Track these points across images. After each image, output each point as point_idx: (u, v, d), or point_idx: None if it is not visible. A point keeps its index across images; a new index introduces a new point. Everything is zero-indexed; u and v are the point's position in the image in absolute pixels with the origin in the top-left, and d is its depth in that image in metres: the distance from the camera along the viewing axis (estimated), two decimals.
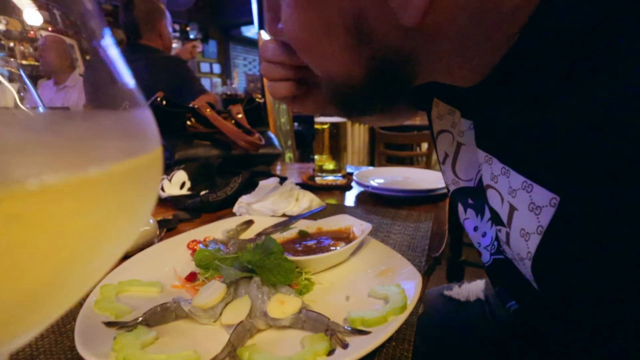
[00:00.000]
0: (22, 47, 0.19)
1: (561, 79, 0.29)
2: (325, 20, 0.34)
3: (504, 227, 0.37)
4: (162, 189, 0.87)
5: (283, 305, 0.40)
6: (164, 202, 0.86)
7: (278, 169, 1.33)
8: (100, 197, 0.14)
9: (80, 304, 0.41)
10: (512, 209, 0.35)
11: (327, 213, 0.73)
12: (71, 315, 0.42)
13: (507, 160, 0.36)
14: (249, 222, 0.68)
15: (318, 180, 1.08)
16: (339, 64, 0.36)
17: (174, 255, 0.56)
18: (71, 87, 0.19)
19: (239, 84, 6.96)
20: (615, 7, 0.26)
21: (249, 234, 0.66)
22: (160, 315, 0.40)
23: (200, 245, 0.56)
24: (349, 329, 0.38)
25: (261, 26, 4.15)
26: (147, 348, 0.36)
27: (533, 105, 0.32)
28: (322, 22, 0.34)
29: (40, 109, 0.20)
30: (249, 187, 0.86)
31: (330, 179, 1.08)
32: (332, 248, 0.55)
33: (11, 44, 0.19)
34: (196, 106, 1.02)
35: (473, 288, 0.75)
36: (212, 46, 7.14)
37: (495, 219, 0.39)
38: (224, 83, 7.02)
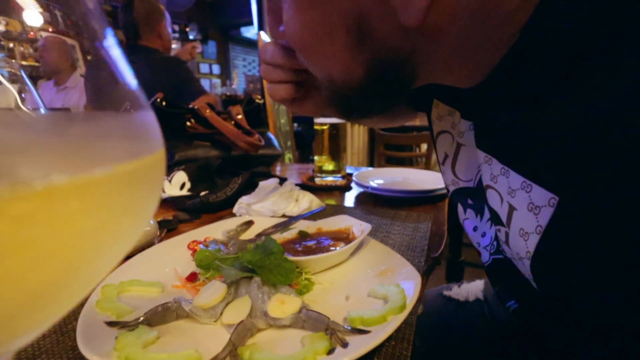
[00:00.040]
0: (22, 48, 0.19)
1: (561, 79, 0.29)
2: (326, 21, 0.34)
3: (504, 227, 0.37)
4: (162, 190, 0.87)
5: (283, 304, 0.41)
6: (164, 203, 0.86)
7: (278, 169, 1.33)
8: (106, 197, 0.15)
9: (81, 304, 0.41)
10: (512, 208, 0.35)
11: (326, 213, 0.73)
12: (72, 315, 0.42)
13: (506, 160, 0.36)
14: (249, 223, 0.68)
15: (318, 181, 1.08)
16: (340, 64, 0.37)
17: (175, 256, 0.56)
18: (72, 88, 0.19)
19: (238, 84, 6.95)
20: (615, 7, 0.26)
21: (249, 234, 0.66)
22: (161, 315, 0.41)
23: (201, 246, 0.56)
24: (349, 328, 0.38)
25: (261, 27, 4.15)
26: (148, 347, 0.36)
27: (533, 105, 0.32)
28: (323, 22, 0.34)
29: (42, 110, 0.20)
30: (248, 187, 0.86)
31: (329, 179, 1.08)
32: (331, 248, 0.55)
33: (11, 45, 0.19)
34: (196, 107, 1.02)
35: (472, 288, 0.76)
36: (212, 47, 7.13)
37: (495, 219, 0.40)
38: (223, 84, 7.01)
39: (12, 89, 0.19)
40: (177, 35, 6.14)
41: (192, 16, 6.39)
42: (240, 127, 1.06)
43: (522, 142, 0.34)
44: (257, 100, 1.18)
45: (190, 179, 0.89)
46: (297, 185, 0.86)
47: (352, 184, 1.04)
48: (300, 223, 0.67)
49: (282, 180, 0.86)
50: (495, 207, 0.39)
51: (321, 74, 0.40)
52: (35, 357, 0.37)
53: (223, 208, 0.83)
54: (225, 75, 7.35)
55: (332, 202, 0.92)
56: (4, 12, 0.17)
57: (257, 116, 1.16)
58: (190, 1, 5.70)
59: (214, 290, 0.42)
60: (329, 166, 1.09)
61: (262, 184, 0.81)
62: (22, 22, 0.18)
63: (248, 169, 0.97)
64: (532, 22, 0.29)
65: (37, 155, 0.14)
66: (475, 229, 0.50)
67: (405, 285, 0.44)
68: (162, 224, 0.71)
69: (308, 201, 0.80)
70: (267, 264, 0.45)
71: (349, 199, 0.95)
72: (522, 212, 0.34)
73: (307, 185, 1.03)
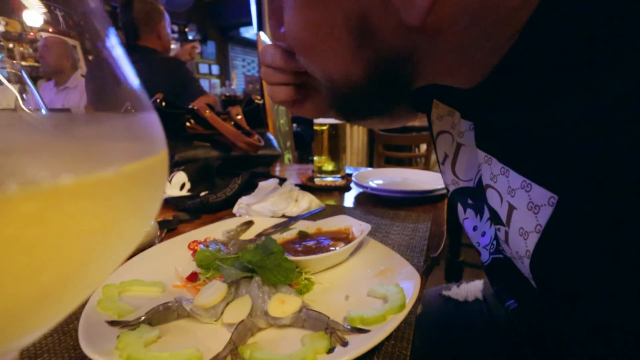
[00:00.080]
0: (21, 48, 0.19)
1: (561, 78, 0.29)
2: (327, 21, 0.34)
3: (503, 226, 0.38)
4: None
5: (283, 304, 0.41)
6: (164, 203, 0.86)
7: (277, 170, 1.33)
8: (113, 197, 0.15)
9: (83, 304, 0.41)
10: (511, 208, 0.36)
11: (326, 214, 0.73)
12: (74, 315, 0.42)
13: (506, 160, 0.36)
14: (249, 223, 0.69)
15: (317, 181, 1.08)
16: (341, 65, 0.37)
17: (175, 256, 0.56)
18: (72, 89, 0.19)
19: (237, 85, 6.96)
20: (615, 7, 0.26)
21: (249, 234, 0.66)
22: (162, 315, 0.41)
23: (201, 246, 0.57)
24: (349, 327, 0.38)
25: (260, 27, 4.15)
26: (150, 346, 0.37)
27: (533, 105, 0.32)
28: (324, 22, 0.34)
29: (43, 111, 0.20)
30: (248, 188, 0.86)
31: (329, 180, 1.08)
32: (331, 248, 0.55)
33: (11, 45, 0.19)
34: (195, 107, 1.02)
35: (471, 288, 0.76)
36: (211, 47, 7.14)
37: (495, 218, 0.40)
38: (222, 84, 7.02)
39: (13, 89, 0.19)
40: (176, 35, 6.15)
41: (192, 16, 6.39)
42: (239, 128, 1.06)
43: (522, 141, 0.34)
44: (256, 101, 1.19)
45: (190, 179, 0.90)
46: (296, 185, 0.86)
47: (352, 185, 1.04)
48: (300, 223, 0.67)
49: (282, 180, 0.86)
50: (495, 207, 0.39)
51: (322, 75, 0.40)
52: (37, 357, 0.37)
53: (223, 208, 0.83)
54: (225, 75, 7.35)
55: (331, 202, 0.92)
56: (4, 12, 0.17)
57: (256, 117, 1.17)
58: (189, 1, 5.70)
59: (215, 290, 0.43)
60: (329, 166, 1.09)
61: (262, 184, 0.82)
62: (22, 23, 0.18)
63: (248, 170, 0.97)
64: (532, 22, 0.29)
65: (44, 156, 0.14)
66: (475, 228, 0.50)
67: (405, 285, 0.44)
68: (162, 224, 0.71)
69: (308, 201, 0.80)
70: (267, 264, 0.46)
71: (349, 199, 0.96)
72: (521, 211, 0.34)
73: (307, 186, 1.03)
